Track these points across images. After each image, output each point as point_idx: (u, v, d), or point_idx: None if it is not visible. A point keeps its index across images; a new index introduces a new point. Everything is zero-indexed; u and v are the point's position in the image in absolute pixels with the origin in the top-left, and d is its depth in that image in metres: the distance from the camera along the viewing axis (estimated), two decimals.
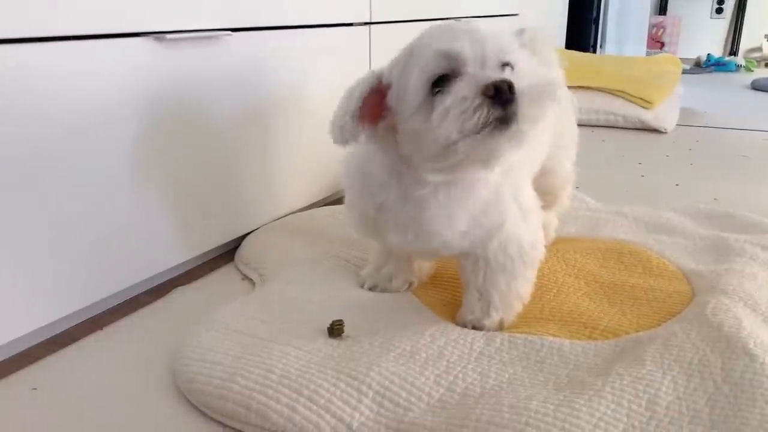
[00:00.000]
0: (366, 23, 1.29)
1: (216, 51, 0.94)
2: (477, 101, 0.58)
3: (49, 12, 0.71)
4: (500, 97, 0.58)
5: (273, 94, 1.07)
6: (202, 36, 0.91)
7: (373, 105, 0.65)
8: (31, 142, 0.72)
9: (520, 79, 0.60)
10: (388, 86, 0.66)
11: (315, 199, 1.23)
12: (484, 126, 0.59)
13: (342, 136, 0.64)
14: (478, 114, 0.58)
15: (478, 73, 0.60)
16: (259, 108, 1.05)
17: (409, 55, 0.64)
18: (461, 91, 0.59)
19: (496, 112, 0.58)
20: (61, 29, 0.73)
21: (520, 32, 0.94)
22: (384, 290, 0.87)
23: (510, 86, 0.58)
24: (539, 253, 0.78)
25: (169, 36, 0.86)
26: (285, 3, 1.07)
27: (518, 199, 0.75)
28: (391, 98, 0.65)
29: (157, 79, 0.86)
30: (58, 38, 0.73)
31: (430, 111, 0.60)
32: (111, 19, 0.78)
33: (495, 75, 0.59)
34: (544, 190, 0.86)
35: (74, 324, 0.84)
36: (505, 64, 0.63)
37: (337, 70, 1.22)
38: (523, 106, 0.59)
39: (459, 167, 0.65)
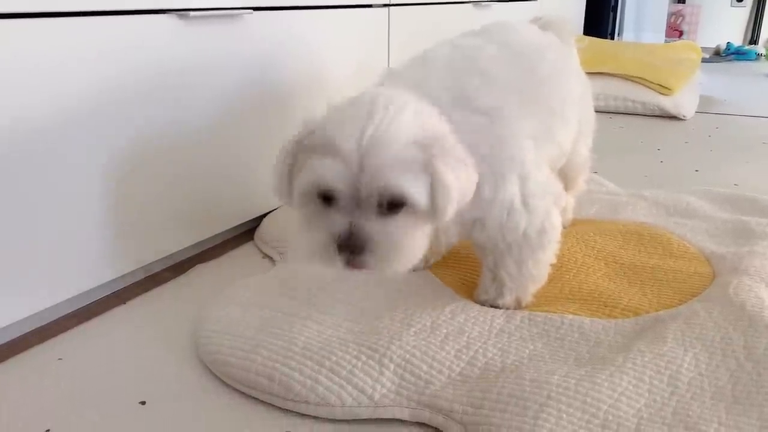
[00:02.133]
0: (385, 5, 1.29)
1: (237, 29, 0.95)
2: (330, 247, 0.58)
3: None
4: (349, 245, 0.58)
5: (292, 72, 1.07)
6: (224, 14, 0.91)
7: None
8: (56, 117, 0.73)
9: (379, 232, 0.58)
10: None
11: None
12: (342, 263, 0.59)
13: (280, 197, 0.65)
14: (331, 256, 0.59)
15: (337, 219, 0.59)
16: (279, 86, 1.05)
17: (307, 146, 0.63)
18: (320, 233, 0.59)
19: (345, 257, 0.58)
20: (85, 4, 0.74)
21: (537, 20, 0.94)
22: None
23: (356, 239, 0.58)
24: (551, 236, 0.75)
25: (192, 13, 0.86)
26: None
27: (524, 184, 0.71)
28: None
29: (179, 56, 0.86)
30: (80, 13, 0.74)
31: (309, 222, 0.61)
32: None
33: (355, 220, 0.58)
34: (561, 175, 0.85)
35: (98, 298, 0.85)
36: (391, 203, 0.58)
37: (355, 50, 1.22)
38: (373, 257, 0.58)
39: None
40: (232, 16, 0.93)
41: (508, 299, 0.77)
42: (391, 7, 1.31)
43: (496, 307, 0.77)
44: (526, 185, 0.72)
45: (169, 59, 0.85)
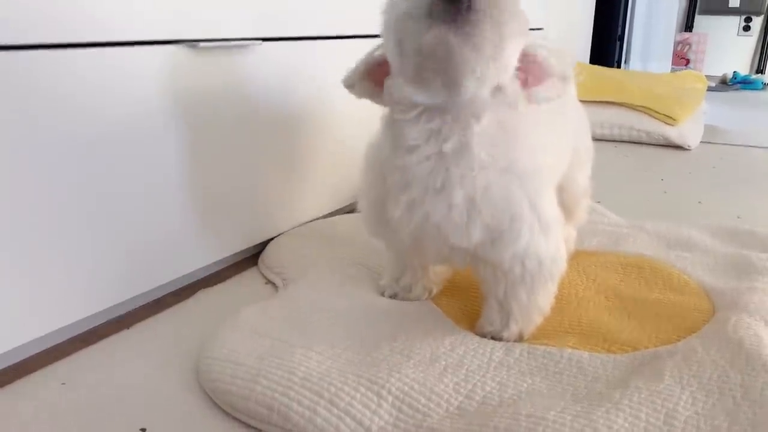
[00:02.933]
0: None
1: (246, 59, 0.97)
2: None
3: (87, 20, 0.74)
4: None
5: (299, 102, 1.09)
6: (234, 45, 0.94)
7: (381, 72, 0.70)
8: (68, 144, 0.74)
9: None
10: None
11: (337, 207, 1.25)
12: (431, 11, 0.59)
13: (348, 82, 0.74)
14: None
15: None
16: (285, 115, 1.07)
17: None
18: None
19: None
20: (99, 36, 0.76)
21: (540, 47, 0.96)
22: (404, 299, 0.88)
23: None
24: (560, 267, 0.77)
25: (201, 44, 0.88)
26: (312, 14, 1.09)
27: (537, 210, 0.73)
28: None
29: (190, 86, 0.88)
30: (94, 44, 0.76)
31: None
32: (147, 27, 0.81)
33: None
34: (559, 205, 0.87)
35: (103, 322, 0.86)
36: None
37: None
38: None
39: (426, 72, 0.63)
40: (241, 47, 0.95)
41: (514, 331, 0.78)
42: None
43: (500, 339, 0.78)
44: (544, 209, 0.73)
45: (179, 89, 0.87)
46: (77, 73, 0.74)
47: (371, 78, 0.72)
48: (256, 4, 0.97)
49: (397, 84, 0.67)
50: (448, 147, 0.67)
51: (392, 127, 0.71)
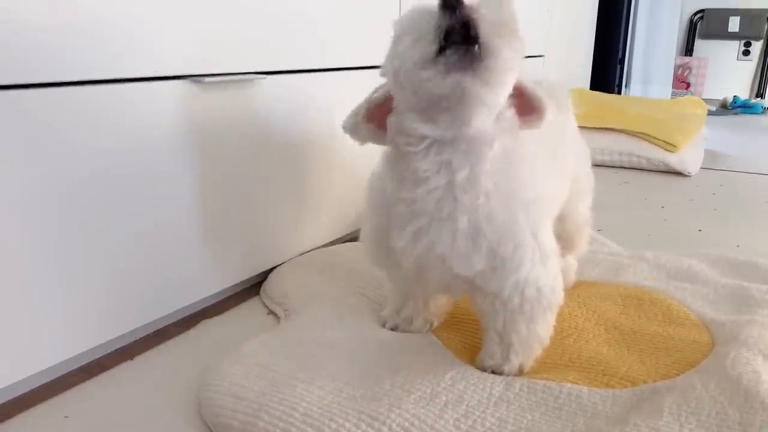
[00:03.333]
0: None
1: (251, 93, 0.98)
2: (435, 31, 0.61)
3: (95, 57, 0.76)
4: (462, 33, 0.60)
5: (301, 134, 1.11)
6: (237, 79, 0.95)
7: (381, 113, 0.73)
8: (74, 176, 0.76)
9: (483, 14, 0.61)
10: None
11: (339, 235, 1.26)
12: (445, 60, 0.61)
13: (349, 127, 0.75)
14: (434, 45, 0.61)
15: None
16: (287, 147, 1.08)
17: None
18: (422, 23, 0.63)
19: (456, 49, 0.61)
20: (108, 73, 0.77)
21: (537, 83, 0.97)
22: (405, 331, 0.89)
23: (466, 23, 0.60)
24: (558, 297, 0.78)
25: (206, 79, 0.90)
26: (315, 47, 1.11)
27: (538, 239, 0.74)
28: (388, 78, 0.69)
29: (194, 120, 0.90)
30: (103, 81, 0.77)
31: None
32: (152, 63, 0.83)
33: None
34: (561, 235, 0.88)
35: (105, 353, 0.87)
36: None
37: None
38: (486, 37, 0.61)
39: (438, 109, 0.66)
40: (245, 81, 0.97)
41: (515, 363, 0.78)
42: None
43: (500, 373, 0.78)
44: (544, 239, 0.74)
45: (184, 124, 0.88)
46: (81, 110, 0.75)
47: (372, 120, 0.74)
48: (259, 38, 0.98)
49: (408, 118, 0.68)
50: (460, 177, 0.69)
51: (397, 161, 0.72)
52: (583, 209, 0.99)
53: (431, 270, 0.75)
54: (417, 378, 0.75)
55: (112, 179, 0.80)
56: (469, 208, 0.70)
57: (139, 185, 0.83)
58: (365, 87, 1.24)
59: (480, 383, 0.75)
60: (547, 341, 0.80)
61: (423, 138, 0.68)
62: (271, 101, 1.03)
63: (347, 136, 0.76)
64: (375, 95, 0.73)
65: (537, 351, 0.80)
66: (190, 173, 0.90)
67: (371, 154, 0.81)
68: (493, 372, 0.78)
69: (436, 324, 0.90)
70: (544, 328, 0.79)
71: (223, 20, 0.92)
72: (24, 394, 0.78)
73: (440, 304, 0.91)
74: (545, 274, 0.74)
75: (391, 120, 0.71)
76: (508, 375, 0.78)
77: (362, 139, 0.75)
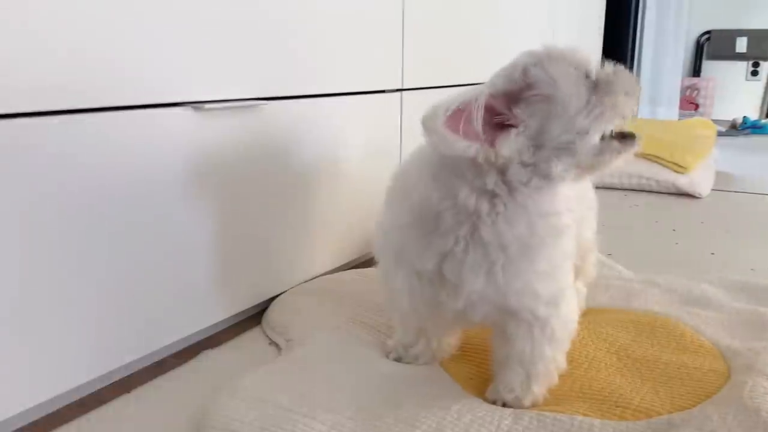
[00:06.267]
0: (398, 90, 1.32)
1: (252, 119, 0.97)
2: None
3: (96, 85, 0.75)
4: None
5: (305, 159, 1.10)
6: (239, 105, 0.94)
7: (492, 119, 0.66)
8: (75, 205, 0.74)
9: None
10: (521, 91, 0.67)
11: (343, 262, 1.24)
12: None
13: (438, 141, 0.62)
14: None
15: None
16: (291, 173, 1.07)
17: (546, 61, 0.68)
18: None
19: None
20: (108, 101, 0.77)
21: None
22: (409, 363, 0.86)
23: None
24: (575, 324, 0.77)
25: (207, 105, 0.89)
26: (317, 72, 1.10)
27: (568, 262, 0.74)
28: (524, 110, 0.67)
29: (195, 147, 0.89)
30: (102, 109, 0.76)
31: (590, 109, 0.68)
32: (152, 90, 0.82)
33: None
34: None
35: (103, 386, 0.85)
36: None
37: (369, 134, 1.24)
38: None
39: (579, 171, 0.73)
40: (246, 107, 0.96)
41: (537, 395, 0.76)
42: (404, 92, 1.34)
43: (518, 406, 0.75)
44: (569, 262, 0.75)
45: (184, 150, 0.87)
46: (81, 138, 0.74)
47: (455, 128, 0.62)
48: (261, 64, 0.98)
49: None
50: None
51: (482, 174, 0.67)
52: (589, 235, 0.97)
53: (454, 292, 0.71)
54: (422, 411, 0.72)
55: (110, 209, 0.78)
56: (506, 234, 0.68)
57: (138, 214, 0.82)
58: (368, 111, 1.24)
59: (488, 416, 0.72)
60: (564, 368, 0.78)
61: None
62: (274, 127, 1.02)
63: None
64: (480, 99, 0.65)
65: (555, 378, 0.77)
66: (191, 201, 0.89)
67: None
68: (504, 405, 0.75)
69: (446, 355, 0.88)
70: (563, 354, 0.77)
71: (224, 45, 0.91)
72: (20, 428, 0.76)
73: (451, 342, 0.88)
74: (570, 298, 0.74)
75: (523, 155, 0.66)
76: (526, 407, 0.75)
77: (443, 146, 0.62)
